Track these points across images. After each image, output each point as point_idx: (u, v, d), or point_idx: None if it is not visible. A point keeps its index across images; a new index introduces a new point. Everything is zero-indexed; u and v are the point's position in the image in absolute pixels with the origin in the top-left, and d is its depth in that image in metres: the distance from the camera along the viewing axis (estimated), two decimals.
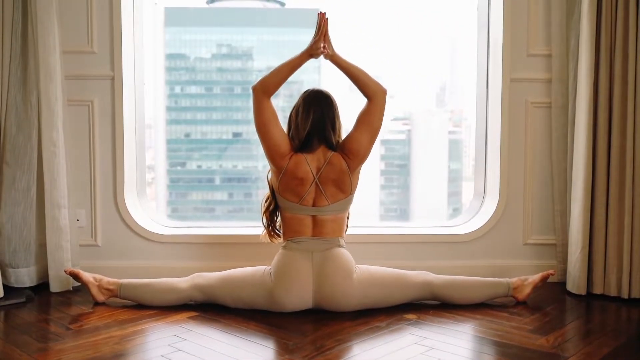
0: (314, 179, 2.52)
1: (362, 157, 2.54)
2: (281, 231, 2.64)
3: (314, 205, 2.53)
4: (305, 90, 2.63)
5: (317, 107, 2.54)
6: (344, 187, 2.54)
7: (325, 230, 2.53)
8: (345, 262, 2.50)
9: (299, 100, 2.60)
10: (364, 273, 2.53)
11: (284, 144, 2.53)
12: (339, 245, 2.55)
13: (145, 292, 2.61)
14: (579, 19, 2.87)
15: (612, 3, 2.76)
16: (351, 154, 2.52)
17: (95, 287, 2.66)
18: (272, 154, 2.53)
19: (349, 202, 2.59)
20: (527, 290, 2.70)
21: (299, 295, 2.47)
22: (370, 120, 2.53)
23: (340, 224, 2.58)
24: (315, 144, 2.53)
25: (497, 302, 2.69)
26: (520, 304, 2.69)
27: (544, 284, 2.79)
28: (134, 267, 3.05)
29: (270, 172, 2.62)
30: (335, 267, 2.48)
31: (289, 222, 2.57)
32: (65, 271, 2.76)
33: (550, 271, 2.76)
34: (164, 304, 2.60)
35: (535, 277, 2.72)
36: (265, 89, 2.51)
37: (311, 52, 2.51)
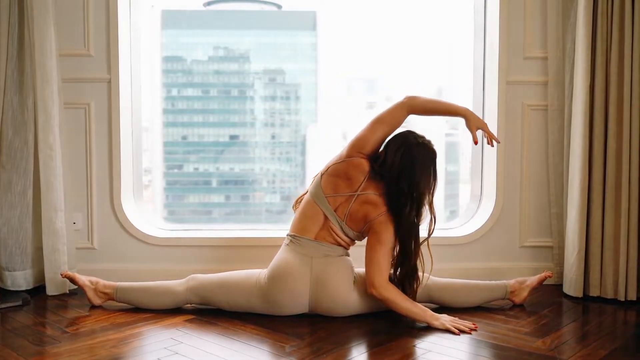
0: (357, 191, 2.48)
1: (370, 234, 2.46)
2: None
3: (335, 210, 2.50)
4: (415, 134, 2.50)
5: (409, 161, 2.43)
6: (357, 220, 2.47)
7: (330, 239, 2.51)
8: (344, 270, 2.48)
9: (404, 135, 2.50)
10: (363, 279, 2.51)
11: (369, 147, 2.49)
12: (340, 254, 2.52)
13: (142, 295, 2.60)
14: (575, 22, 2.88)
15: (607, 6, 2.77)
16: (372, 231, 2.45)
17: (92, 290, 2.66)
18: (356, 142, 2.49)
19: (350, 238, 2.53)
20: (525, 293, 2.70)
21: (295, 301, 2.46)
22: (369, 255, 2.45)
23: (346, 242, 2.54)
24: (378, 179, 2.48)
25: (494, 305, 2.70)
26: (517, 306, 2.70)
27: (540, 287, 2.79)
28: (131, 270, 3.05)
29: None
30: (334, 275, 2.45)
31: (304, 208, 2.53)
32: (61, 274, 2.75)
33: (548, 273, 2.75)
34: (161, 307, 2.59)
35: (532, 280, 2.72)
36: (412, 107, 2.47)
37: (468, 117, 2.49)
